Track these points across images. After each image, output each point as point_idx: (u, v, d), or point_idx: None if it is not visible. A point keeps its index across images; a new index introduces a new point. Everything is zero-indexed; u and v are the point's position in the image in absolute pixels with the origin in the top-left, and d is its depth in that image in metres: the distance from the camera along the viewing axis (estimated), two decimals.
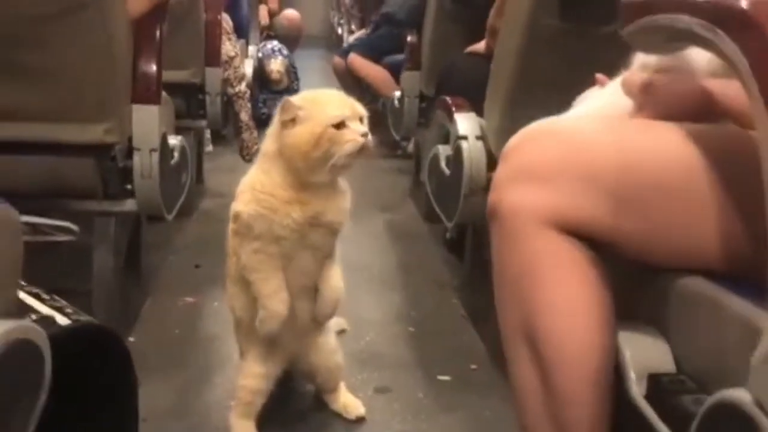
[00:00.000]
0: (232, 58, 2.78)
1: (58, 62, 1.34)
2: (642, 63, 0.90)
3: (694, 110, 0.85)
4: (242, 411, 1.33)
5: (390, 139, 3.28)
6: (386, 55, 3.70)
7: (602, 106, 0.95)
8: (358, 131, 1.17)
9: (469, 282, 2.03)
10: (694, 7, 0.67)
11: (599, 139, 0.82)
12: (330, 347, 1.40)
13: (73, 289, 1.68)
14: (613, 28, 0.95)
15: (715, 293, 0.72)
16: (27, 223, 1.60)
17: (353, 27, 5.36)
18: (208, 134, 3.35)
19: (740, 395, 0.57)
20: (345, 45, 3.93)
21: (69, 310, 1.14)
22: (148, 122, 1.49)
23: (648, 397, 0.74)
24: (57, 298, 1.17)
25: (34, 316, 1.08)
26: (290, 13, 4.80)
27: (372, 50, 3.67)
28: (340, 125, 1.16)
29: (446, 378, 1.61)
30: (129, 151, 1.51)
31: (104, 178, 1.50)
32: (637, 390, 0.75)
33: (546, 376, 0.81)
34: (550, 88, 1.46)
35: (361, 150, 1.17)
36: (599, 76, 1.04)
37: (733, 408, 0.57)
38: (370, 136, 1.18)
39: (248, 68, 3.70)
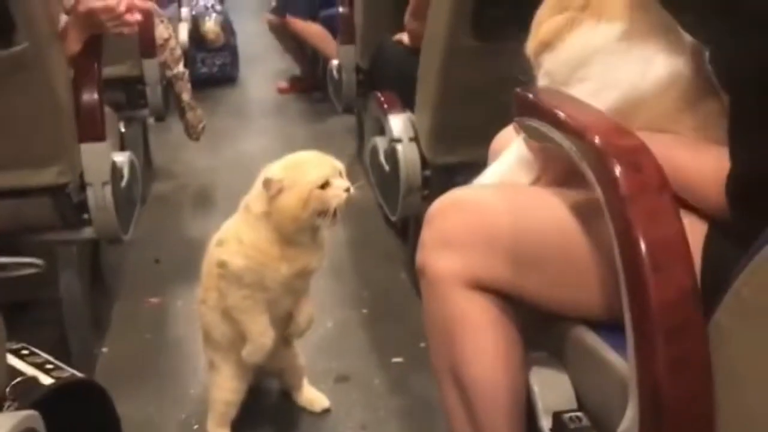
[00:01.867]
0: (166, 40, 2.78)
1: (8, 116, 1.41)
2: None
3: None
4: (219, 421, 1.48)
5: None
6: (322, 9, 3.72)
7: (514, 162, 1.06)
8: (341, 187, 1.28)
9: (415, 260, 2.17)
10: (564, 126, 0.79)
11: (496, 210, 0.96)
12: (294, 352, 1.55)
13: (45, 299, 1.79)
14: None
15: (600, 346, 0.87)
16: None
17: None
18: None
19: None
20: (274, 1, 3.93)
21: (49, 366, 1.26)
22: (97, 158, 1.57)
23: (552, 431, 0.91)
24: (37, 351, 1.30)
25: (19, 379, 1.20)
26: None
27: (307, 9, 3.69)
28: (324, 185, 1.27)
29: (399, 360, 1.78)
30: (82, 185, 1.59)
31: (62, 213, 1.59)
32: (544, 424, 0.92)
33: (468, 408, 0.98)
34: (476, 98, 1.58)
35: (346, 204, 1.28)
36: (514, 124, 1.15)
37: None
38: (352, 189, 1.29)
39: (183, 32, 3.68)
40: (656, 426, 0.67)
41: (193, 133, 2.95)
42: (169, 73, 2.83)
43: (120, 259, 2.25)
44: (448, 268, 0.96)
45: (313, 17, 3.72)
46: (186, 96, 2.89)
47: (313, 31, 3.69)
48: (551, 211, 0.93)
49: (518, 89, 0.92)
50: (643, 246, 0.65)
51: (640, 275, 0.66)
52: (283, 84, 4.17)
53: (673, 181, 0.71)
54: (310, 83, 4.09)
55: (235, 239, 1.34)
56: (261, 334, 1.38)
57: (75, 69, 1.58)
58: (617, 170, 0.69)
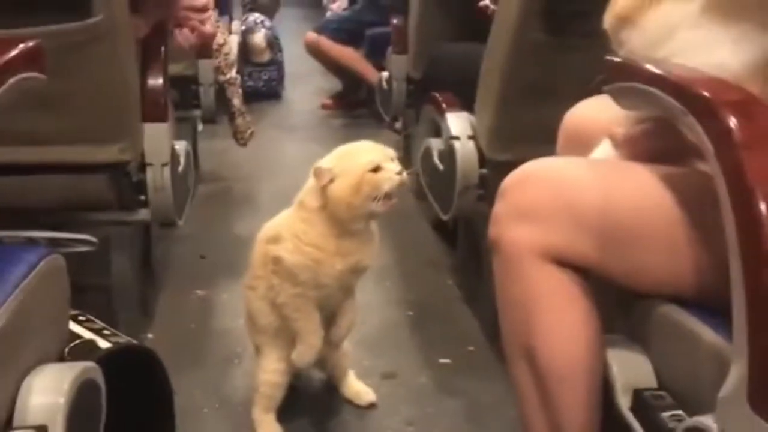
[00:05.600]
0: (221, 46, 2.82)
1: (76, 90, 1.42)
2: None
3: (670, 152, 0.96)
4: (264, 405, 1.45)
5: (377, 113, 3.35)
6: (368, 27, 3.75)
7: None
8: (393, 170, 1.27)
9: (463, 265, 2.15)
10: (666, 84, 0.77)
11: (585, 183, 0.92)
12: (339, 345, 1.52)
13: (95, 285, 1.79)
14: (600, 41, 1.05)
15: (690, 322, 0.83)
16: (51, 238, 1.71)
17: None
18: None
19: (709, 424, 0.70)
20: (326, 17, 3.99)
21: (107, 332, 1.26)
22: (158, 139, 1.58)
23: (632, 410, 0.87)
24: (93, 319, 1.29)
25: (78, 341, 1.20)
26: None
27: (342, 33, 3.77)
28: (375, 169, 1.26)
29: (447, 361, 1.74)
30: (141, 166, 1.60)
31: (119, 192, 1.59)
32: (623, 402, 0.88)
33: (543, 388, 0.94)
34: (540, 95, 1.57)
35: (399, 186, 1.27)
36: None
37: None
38: (404, 174, 1.28)
39: (234, 45, 3.74)
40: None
41: (241, 138, 2.96)
42: (221, 78, 2.86)
43: (167, 254, 2.26)
44: (525, 240, 0.92)
45: (348, 43, 3.78)
46: (237, 101, 2.91)
47: (345, 53, 3.75)
48: (644, 185, 0.90)
49: (608, 57, 0.90)
50: (761, 199, 0.62)
51: (757, 231, 0.62)
52: (327, 100, 4.21)
53: None
54: (353, 100, 4.12)
55: (292, 236, 1.33)
56: (311, 333, 1.37)
57: (142, 51, 1.60)
58: (730, 120, 0.66)
